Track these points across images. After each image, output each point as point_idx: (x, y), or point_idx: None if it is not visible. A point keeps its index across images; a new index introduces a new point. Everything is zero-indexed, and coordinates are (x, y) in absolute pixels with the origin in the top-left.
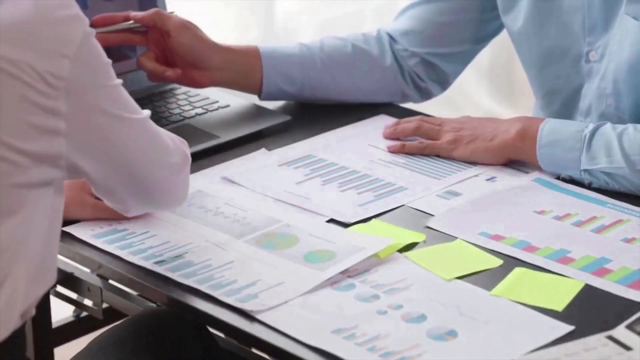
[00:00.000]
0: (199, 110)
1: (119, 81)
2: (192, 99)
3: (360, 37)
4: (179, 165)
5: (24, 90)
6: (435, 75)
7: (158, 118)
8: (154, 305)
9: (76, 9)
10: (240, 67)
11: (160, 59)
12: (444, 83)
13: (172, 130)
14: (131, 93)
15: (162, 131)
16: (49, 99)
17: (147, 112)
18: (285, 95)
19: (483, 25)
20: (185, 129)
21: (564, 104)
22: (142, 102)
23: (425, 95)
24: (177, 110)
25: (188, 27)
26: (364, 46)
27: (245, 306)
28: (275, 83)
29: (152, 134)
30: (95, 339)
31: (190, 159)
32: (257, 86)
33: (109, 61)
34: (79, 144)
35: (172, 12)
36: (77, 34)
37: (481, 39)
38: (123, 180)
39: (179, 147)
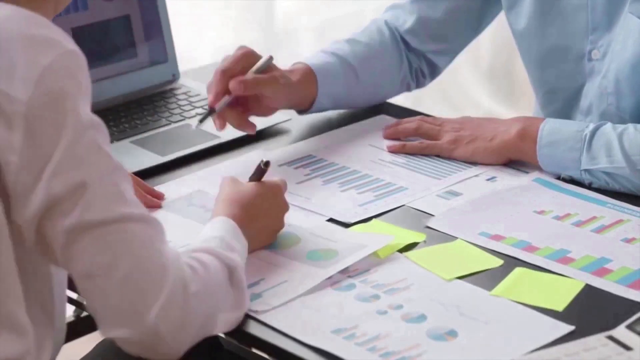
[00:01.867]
0: (199, 110)
1: (100, 139)
2: (192, 99)
3: (377, 37)
4: (165, 294)
5: None
6: (431, 70)
7: (158, 118)
8: None
9: (52, 32)
10: (301, 98)
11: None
12: (436, 74)
13: (172, 130)
14: (131, 94)
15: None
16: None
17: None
18: (321, 110)
19: (482, 17)
20: (186, 129)
21: (565, 102)
22: (142, 102)
23: (417, 86)
24: (177, 111)
25: (279, 83)
26: (387, 54)
27: (250, 306)
28: (321, 103)
29: (137, 233)
30: (102, 342)
31: (195, 293)
32: (305, 107)
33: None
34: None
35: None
36: (45, 58)
37: (480, 30)
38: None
39: (177, 271)
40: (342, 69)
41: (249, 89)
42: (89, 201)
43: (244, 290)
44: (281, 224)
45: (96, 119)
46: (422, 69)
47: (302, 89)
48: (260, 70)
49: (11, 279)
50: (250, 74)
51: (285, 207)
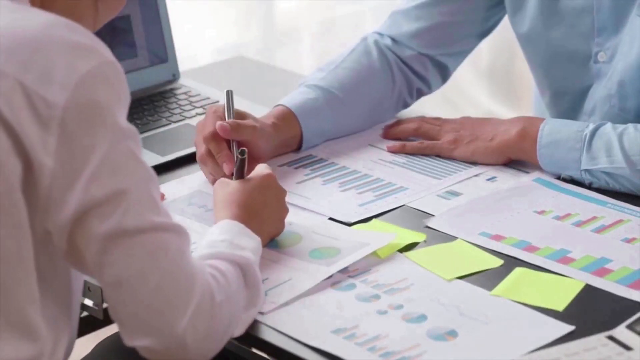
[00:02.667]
0: (200, 110)
1: (134, 145)
2: (192, 99)
3: (364, 61)
4: (193, 305)
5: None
6: (441, 77)
7: (158, 118)
8: None
9: (93, 42)
10: (285, 141)
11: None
12: (444, 80)
13: (172, 130)
14: (131, 94)
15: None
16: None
17: (169, 220)
18: (313, 146)
19: (489, 20)
20: (186, 129)
21: (572, 103)
22: (143, 102)
23: (422, 96)
24: (177, 110)
25: (259, 132)
26: (376, 79)
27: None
28: (311, 141)
29: (162, 245)
30: (102, 342)
31: (220, 303)
32: (293, 149)
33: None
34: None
35: (244, 115)
36: (84, 65)
37: (486, 33)
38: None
39: (204, 282)
40: (326, 102)
41: (233, 133)
42: (127, 208)
43: (257, 286)
44: (285, 210)
45: (133, 128)
46: (428, 79)
47: (281, 132)
48: (232, 111)
49: (29, 284)
50: (229, 121)
51: (282, 192)
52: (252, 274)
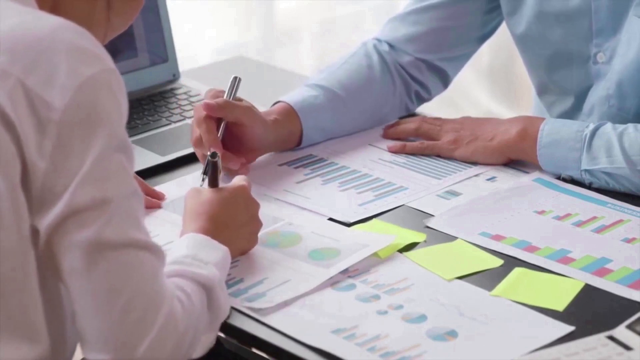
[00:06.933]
0: None
1: (124, 157)
2: (192, 99)
3: (364, 63)
4: (157, 329)
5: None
6: (441, 82)
7: (158, 118)
8: None
9: (98, 49)
10: (285, 136)
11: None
12: (445, 86)
13: (172, 130)
14: (131, 94)
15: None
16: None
17: (149, 243)
18: (313, 143)
19: (486, 24)
20: (186, 129)
21: (571, 104)
22: (143, 102)
23: (422, 101)
24: (177, 110)
25: (255, 115)
26: (376, 81)
27: (254, 305)
28: (311, 138)
29: (137, 263)
30: None
31: (183, 331)
32: (293, 145)
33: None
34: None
35: (241, 100)
36: (87, 70)
37: (484, 38)
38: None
39: (171, 307)
40: (327, 100)
41: (223, 111)
42: (108, 219)
43: (219, 310)
44: (257, 224)
45: (129, 143)
46: (426, 84)
47: (281, 128)
48: (233, 97)
49: (31, 285)
50: (219, 99)
51: (255, 205)
52: (215, 298)
